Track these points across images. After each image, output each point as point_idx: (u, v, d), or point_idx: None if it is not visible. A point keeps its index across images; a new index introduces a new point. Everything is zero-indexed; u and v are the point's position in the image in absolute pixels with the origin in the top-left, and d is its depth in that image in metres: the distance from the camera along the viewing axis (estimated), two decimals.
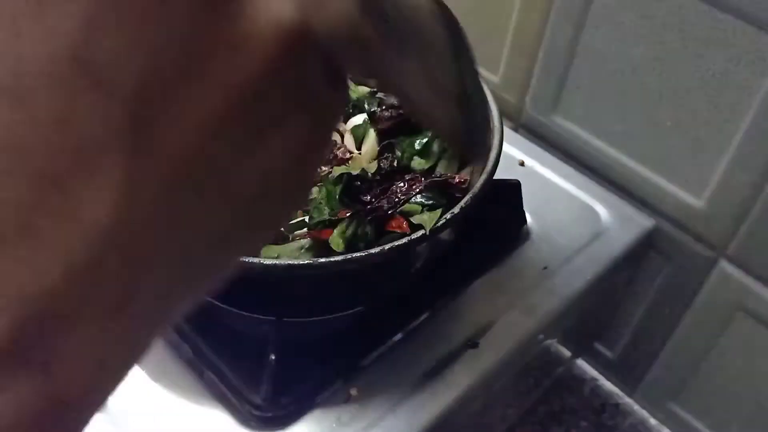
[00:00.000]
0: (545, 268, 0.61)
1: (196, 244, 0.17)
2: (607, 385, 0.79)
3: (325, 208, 0.50)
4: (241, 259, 0.19)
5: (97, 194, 0.14)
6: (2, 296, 0.13)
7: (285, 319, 0.51)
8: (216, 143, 0.16)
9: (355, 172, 0.52)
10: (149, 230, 0.15)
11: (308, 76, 0.17)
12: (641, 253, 0.68)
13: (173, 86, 0.15)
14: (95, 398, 0.16)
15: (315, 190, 0.52)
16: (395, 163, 0.55)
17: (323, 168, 0.54)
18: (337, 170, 0.53)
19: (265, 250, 0.48)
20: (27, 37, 0.13)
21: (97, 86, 0.14)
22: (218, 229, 0.17)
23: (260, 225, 0.19)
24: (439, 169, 0.55)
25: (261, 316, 0.53)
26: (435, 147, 0.56)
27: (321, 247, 0.49)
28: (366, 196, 0.52)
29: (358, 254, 0.44)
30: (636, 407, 0.78)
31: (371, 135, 0.58)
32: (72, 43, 0.13)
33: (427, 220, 0.51)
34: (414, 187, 0.51)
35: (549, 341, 0.65)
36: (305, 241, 0.49)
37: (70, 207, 0.14)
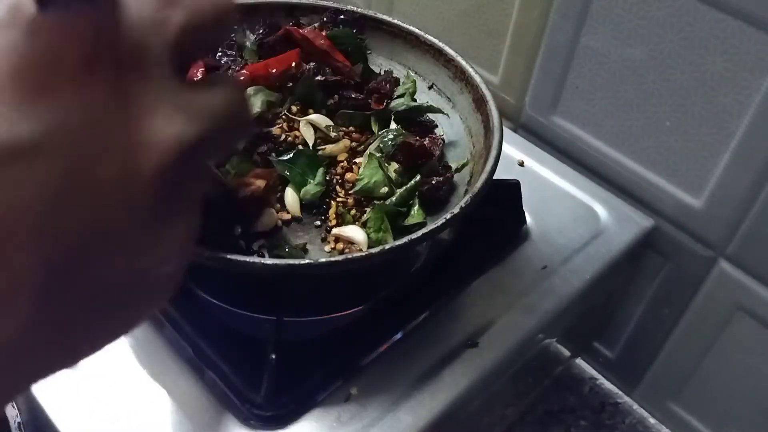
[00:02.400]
0: (545, 267, 0.61)
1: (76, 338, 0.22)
2: (607, 384, 0.79)
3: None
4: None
5: (10, 315, 0.18)
6: None
7: (285, 319, 0.51)
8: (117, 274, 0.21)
9: None
10: (41, 344, 0.20)
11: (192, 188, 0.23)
12: (640, 253, 0.69)
13: (89, 255, 0.20)
14: None
15: None
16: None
17: None
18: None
19: None
20: None
21: (24, 248, 0.18)
22: (97, 326, 0.22)
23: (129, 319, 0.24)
24: None
25: (261, 316, 0.53)
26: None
27: None
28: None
29: (358, 254, 0.44)
30: (635, 407, 0.78)
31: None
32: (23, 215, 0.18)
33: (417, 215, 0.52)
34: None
35: (548, 341, 0.65)
36: None
37: None
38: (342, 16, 0.63)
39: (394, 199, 0.53)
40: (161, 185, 0.20)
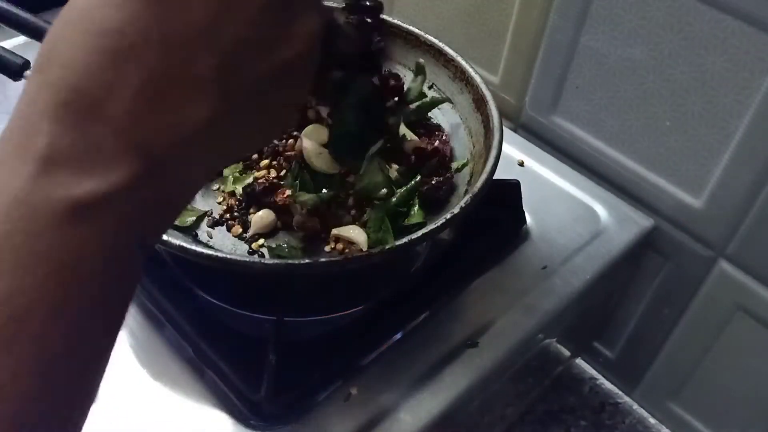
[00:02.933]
0: (545, 267, 0.61)
1: (250, 126, 0.28)
2: (607, 384, 0.79)
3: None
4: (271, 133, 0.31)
5: (199, 104, 0.24)
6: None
7: (285, 319, 0.51)
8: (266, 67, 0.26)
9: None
10: (227, 123, 0.26)
11: None
12: (640, 253, 0.69)
13: (249, 50, 0.25)
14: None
15: None
16: None
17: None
18: None
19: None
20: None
21: (201, 53, 0.24)
22: (261, 112, 0.27)
23: (287, 98, 0.29)
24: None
25: (261, 316, 0.53)
26: None
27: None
28: None
29: (358, 254, 0.44)
30: (635, 407, 0.78)
31: None
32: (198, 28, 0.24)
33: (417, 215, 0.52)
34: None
35: (548, 341, 0.65)
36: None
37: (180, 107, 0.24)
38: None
39: (394, 199, 0.53)
40: None
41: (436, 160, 0.56)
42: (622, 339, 0.77)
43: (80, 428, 0.26)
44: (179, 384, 0.50)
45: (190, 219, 0.52)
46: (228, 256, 0.43)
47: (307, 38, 0.28)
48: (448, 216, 0.46)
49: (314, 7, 0.28)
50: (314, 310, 0.54)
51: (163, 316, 0.54)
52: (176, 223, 0.52)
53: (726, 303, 0.65)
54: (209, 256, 0.43)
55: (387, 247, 0.44)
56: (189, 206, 0.54)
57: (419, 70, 0.61)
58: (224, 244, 0.52)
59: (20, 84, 0.55)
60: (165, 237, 0.44)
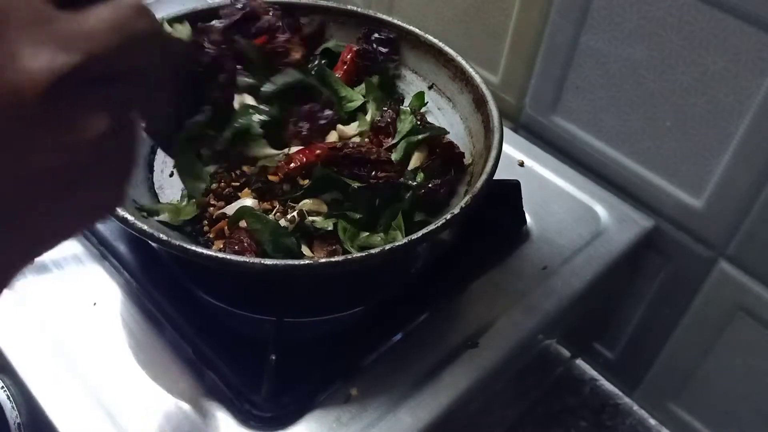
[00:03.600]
0: (545, 268, 0.61)
1: None
2: (607, 385, 0.79)
3: None
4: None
5: None
6: None
7: (285, 319, 0.51)
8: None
9: None
10: None
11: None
12: (641, 254, 0.68)
13: None
14: None
15: None
16: None
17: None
18: None
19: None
20: None
21: None
22: None
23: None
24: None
25: (261, 316, 0.53)
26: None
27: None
28: None
29: (358, 255, 0.44)
30: (635, 407, 0.78)
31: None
32: None
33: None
34: None
35: (549, 341, 0.65)
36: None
37: None
38: (376, 35, 0.63)
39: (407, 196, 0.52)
40: (47, 105, 0.23)
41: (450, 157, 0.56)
42: (623, 339, 0.77)
43: None
44: (179, 384, 0.50)
45: (188, 217, 0.52)
46: (228, 257, 0.43)
47: (85, 146, 0.24)
48: (448, 216, 0.46)
49: (101, 106, 0.24)
50: (314, 311, 0.54)
51: (162, 316, 0.54)
52: (173, 222, 0.52)
53: (726, 303, 0.65)
54: (209, 257, 0.43)
55: (387, 247, 0.44)
56: (186, 206, 0.54)
57: (419, 98, 0.62)
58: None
59: None
60: (165, 237, 0.44)
